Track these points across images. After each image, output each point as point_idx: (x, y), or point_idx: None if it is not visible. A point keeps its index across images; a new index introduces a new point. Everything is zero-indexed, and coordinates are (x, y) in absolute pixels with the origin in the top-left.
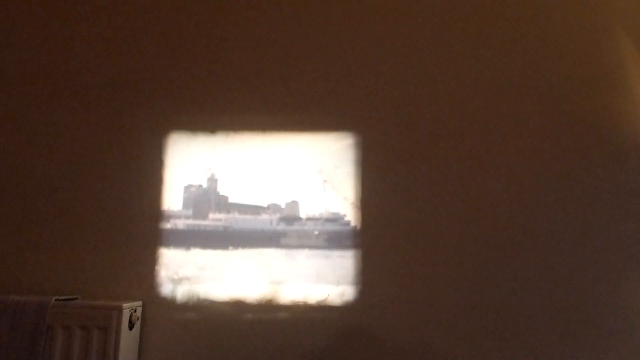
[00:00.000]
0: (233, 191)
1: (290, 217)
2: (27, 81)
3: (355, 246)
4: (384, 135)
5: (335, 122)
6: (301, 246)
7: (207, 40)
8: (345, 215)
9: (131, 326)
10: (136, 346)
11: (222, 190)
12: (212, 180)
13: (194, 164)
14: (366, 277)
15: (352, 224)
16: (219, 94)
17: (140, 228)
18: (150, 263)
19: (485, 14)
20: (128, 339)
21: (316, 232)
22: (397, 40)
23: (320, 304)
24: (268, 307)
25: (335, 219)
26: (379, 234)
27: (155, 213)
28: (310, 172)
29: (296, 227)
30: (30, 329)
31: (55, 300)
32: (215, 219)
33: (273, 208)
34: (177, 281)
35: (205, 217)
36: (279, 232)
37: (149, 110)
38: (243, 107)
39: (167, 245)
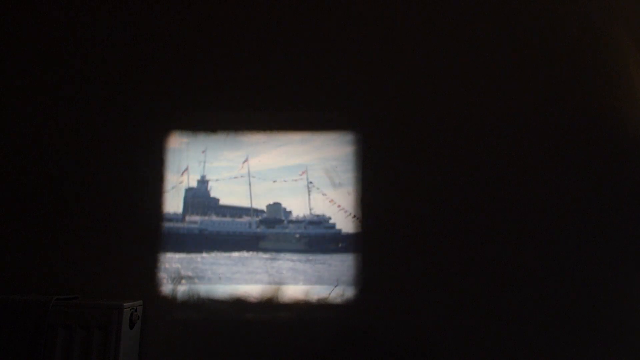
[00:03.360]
0: (221, 194)
1: (271, 220)
2: (27, 81)
3: (354, 250)
4: (384, 134)
5: (335, 121)
6: (280, 250)
7: (208, 39)
8: (330, 218)
9: (132, 325)
10: (137, 345)
11: (210, 192)
12: (203, 182)
13: (179, 164)
14: (366, 277)
15: (337, 227)
16: (219, 93)
17: (141, 228)
18: (150, 263)
19: (485, 14)
20: (128, 338)
21: (297, 235)
22: (398, 40)
23: (321, 303)
24: (268, 307)
25: (320, 221)
26: (379, 233)
27: (155, 213)
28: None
29: (277, 229)
30: (31, 329)
31: (56, 299)
32: (191, 221)
33: (254, 211)
34: (177, 280)
35: (184, 219)
36: (259, 235)
37: (149, 110)
38: (243, 106)
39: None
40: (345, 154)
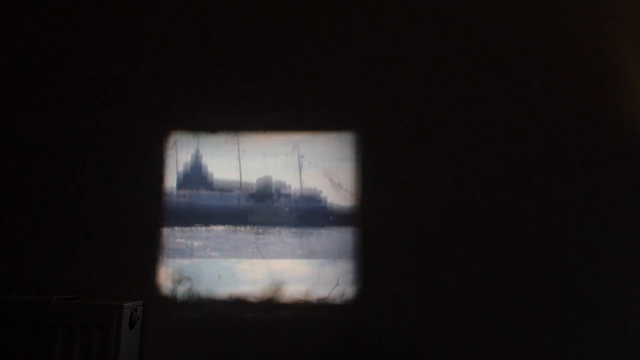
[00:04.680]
0: (213, 168)
1: (261, 194)
2: (28, 82)
3: (354, 251)
4: (384, 134)
5: (335, 122)
6: (271, 223)
7: (208, 40)
8: (321, 192)
9: (132, 325)
10: (137, 345)
11: (205, 167)
12: (197, 156)
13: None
14: (366, 277)
15: (329, 201)
16: (219, 93)
17: (141, 228)
18: (150, 263)
19: (485, 15)
20: (128, 339)
21: (287, 209)
22: (398, 40)
23: (321, 303)
24: (268, 307)
25: (312, 195)
26: (379, 233)
27: (155, 213)
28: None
29: (267, 204)
30: (31, 329)
31: (56, 299)
32: (179, 195)
33: (243, 185)
34: (177, 280)
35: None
36: (247, 209)
37: (149, 110)
38: (243, 106)
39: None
40: (345, 155)
